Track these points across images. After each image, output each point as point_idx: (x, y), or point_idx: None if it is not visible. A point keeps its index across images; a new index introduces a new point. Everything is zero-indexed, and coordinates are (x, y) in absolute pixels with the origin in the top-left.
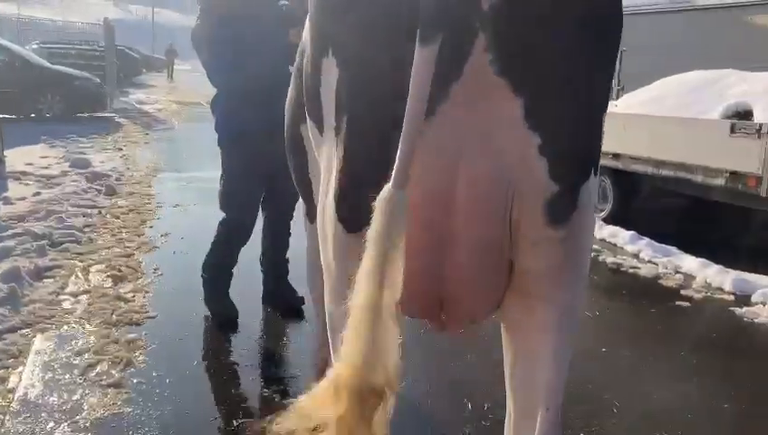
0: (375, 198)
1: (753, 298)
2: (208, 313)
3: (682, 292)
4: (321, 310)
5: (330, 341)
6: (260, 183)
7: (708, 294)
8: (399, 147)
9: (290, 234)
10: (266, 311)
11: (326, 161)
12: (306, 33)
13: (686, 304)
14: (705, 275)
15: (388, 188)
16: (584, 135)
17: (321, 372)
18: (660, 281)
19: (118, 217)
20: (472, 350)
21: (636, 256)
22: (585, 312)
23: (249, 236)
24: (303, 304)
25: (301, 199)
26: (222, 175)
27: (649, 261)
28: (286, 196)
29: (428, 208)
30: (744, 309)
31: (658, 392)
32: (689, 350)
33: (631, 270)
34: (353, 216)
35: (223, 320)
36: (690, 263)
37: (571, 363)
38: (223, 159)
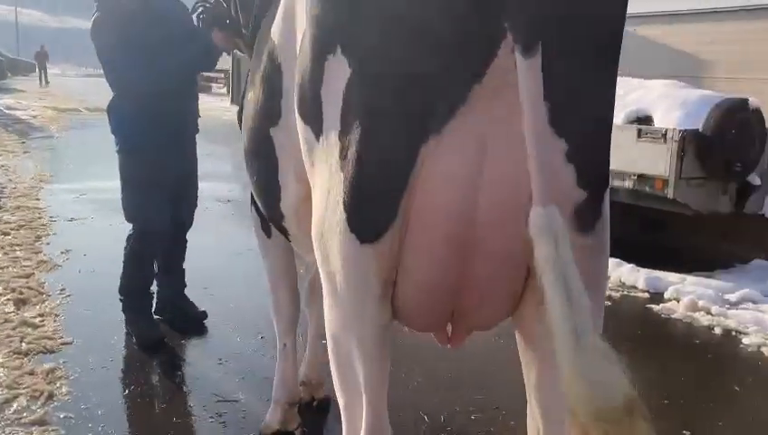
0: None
1: (666, 295)
2: (131, 335)
3: None
4: (290, 342)
5: (336, 374)
6: (167, 191)
7: (624, 292)
8: (531, 164)
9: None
10: (196, 329)
11: (325, 167)
12: (288, 32)
13: (606, 302)
14: (618, 274)
15: (537, 209)
16: (606, 142)
17: (283, 412)
18: None
19: (8, 234)
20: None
21: None
22: None
23: (161, 248)
24: (206, 318)
25: (254, 213)
26: (124, 184)
27: None
28: (189, 204)
29: (451, 218)
30: (660, 306)
31: None
32: (612, 346)
33: None
34: (369, 225)
35: (147, 342)
36: None
37: (497, 359)
38: (123, 167)
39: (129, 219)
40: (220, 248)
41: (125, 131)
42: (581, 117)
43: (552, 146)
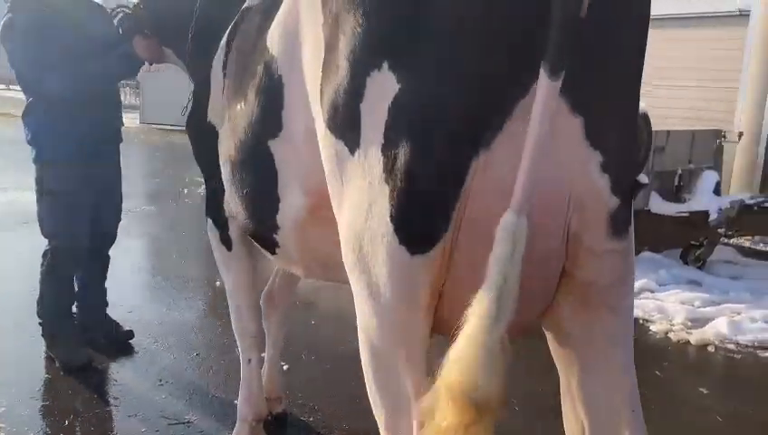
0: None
1: None
2: (53, 360)
3: None
4: (255, 358)
5: (376, 389)
6: (87, 203)
7: None
8: (521, 175)
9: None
10: (122, 349)
11: (362, 180)
12: (291, 46)
13: None
14: None
15: (509, 214)
16: (635, 151)
17: (250, 430)
18: None
19: None
20: None
21: None
22: None
23: (80, 264)
24: (132, 337)
25: (212, 227)
26: (40, 197)
27: None
28: (112, 218)
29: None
30: None
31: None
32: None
33: None
34: (420, 236)
35: (73, 366)
36: None
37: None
38: (40, 178)
39: (45, 235)
40: (138, 265)
41: (41, 141)
42: (614, 129)
43: (588, 158)
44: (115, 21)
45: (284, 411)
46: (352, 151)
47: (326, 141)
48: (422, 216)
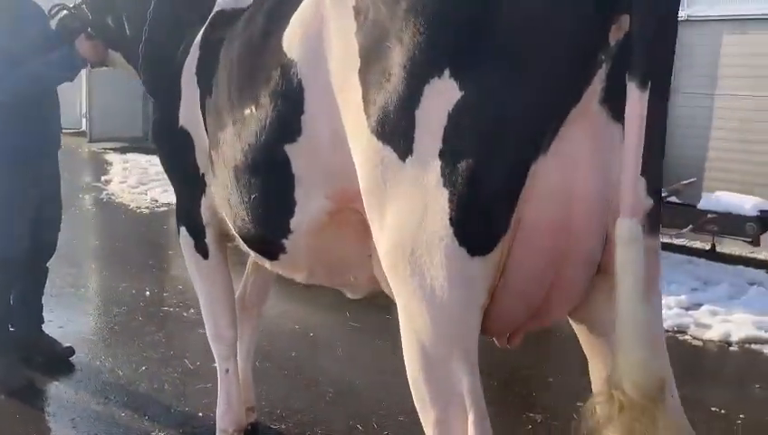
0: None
1: None
2: None
3: None
4: (233, 368)
5: (426, 388)
6: (26, 210)
7: None
8: (628, 181)
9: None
10: (61, 368)
11: (414, 185)
12: (314, 52)
13: None
14: None
15: (626, 220)
16: (663, 156)
17: None
18: None
19: None
20: None
21: None
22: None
23: (18, 277)
24: (72, 354)
25: (186, 236)
26: None
27: None
28: (51, 228)
29: (554, 229)
30: None
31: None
32: None
33: None
34: (480, 238)
35: (12, 387)
36: None
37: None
38: None
39: None
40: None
41: None
42: (651, 136)
43: None
44: (56, 19)
45: (256, 421)
46: (402, 157)
47: (370, 148)
48: (483, 218)
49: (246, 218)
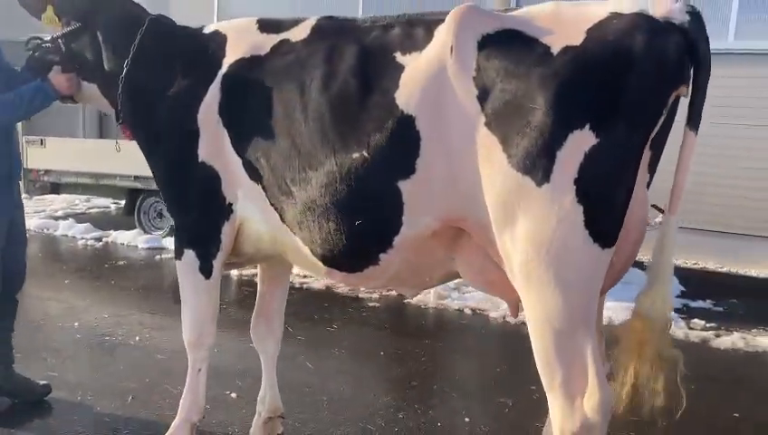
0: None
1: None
2: None
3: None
4: (205, 367)
5: (558, 359)
6: None
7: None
8: (676, 193)
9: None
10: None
11: (550, 204)
12: (437, 105)
13: (375, 304)
14: None
15: (673, 217)
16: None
17: (191, 430)
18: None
19: None
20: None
21: None
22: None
23: None
24: (49, 392)
25: (191, 257)
26: None
27: None
28: (20, 256)
29: (636, 223)
30: (415, 299)
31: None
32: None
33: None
34: (610, 236)
35: None
36: None
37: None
38: None
39: None
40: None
41: None
42: (657, 159)
43: (645, 179)
44: (30, 51)
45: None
46: (539, 184)
47: (507, 178)
48: (611, 222)
49: (339, 239)
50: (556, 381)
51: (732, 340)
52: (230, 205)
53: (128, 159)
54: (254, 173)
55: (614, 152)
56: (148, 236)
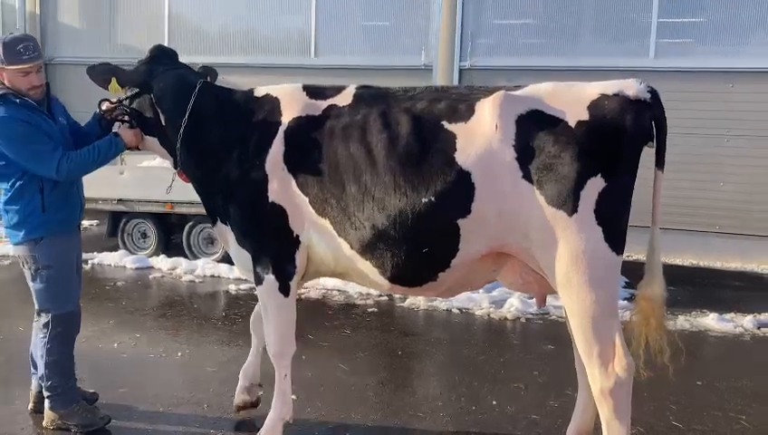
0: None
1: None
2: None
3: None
4: (289, 372)
5: (595, 337)
6: (74, 268)
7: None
8: (656, 210)
9: None
10: None
11: (576, 229)
12: (482, 157)
13: (374, 308)
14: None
15: (657, 227)
16: None
17: (282, 426)
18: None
19: None
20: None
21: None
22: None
23: (76, 329)
24: (97, 399)
25: (272, 279)
26: (35, 273)
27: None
28: (80, 279)
29: None
30: (407, 303)
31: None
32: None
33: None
34: (622, 247)
35: (97, 425)
36: None
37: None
38: (32, 257)
39: (42, 307)
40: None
41: (33, 221)
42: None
43: None
44: (102, 110)
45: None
46: (570, 215)
47: (547, 212)
48: (620, 237)
49: (409, 264)
50: (594, 354)
51: (679, 322)
52: (297, 236)
53: (110, 184)
54: (321, 210)
55: (617, 189)
56: (134, 256)
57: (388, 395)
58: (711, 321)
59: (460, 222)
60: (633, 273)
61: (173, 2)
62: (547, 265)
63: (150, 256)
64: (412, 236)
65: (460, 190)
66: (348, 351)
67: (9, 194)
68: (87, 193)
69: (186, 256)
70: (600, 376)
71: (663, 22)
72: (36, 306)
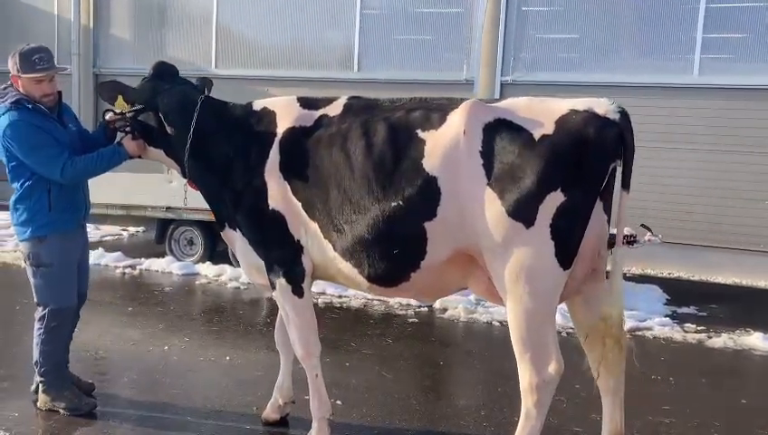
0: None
1: (436, 305)
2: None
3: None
4: (320, 371)
5: (531, 343)
6: (75, 266)
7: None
8: (619, 230)
9: None
10: None
11: (535, 241)
12: (449, 170)
13: (414, 319)
14: None
15: (620, 247)
16: None
17: (327, 425)
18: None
19: None
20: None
21: None
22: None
23: (75, 321)
24: (94, 389)
25: (284, 282)
26: (35, 269)
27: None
28: (85, 278)
29: (587, 251)
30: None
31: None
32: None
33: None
34: (569, 262)
35: (84, 408)
36: None
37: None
38: (36, 253)
39: (41, 301)
40: None
41: (40, 219)
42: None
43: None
44: (108, 121)
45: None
46: (527, 227)
47: (503, 222)
48: (570, 252)
49: (382, 264)
50: (527, 357)
51: (722, 340)
52: (298, 240)
53: (159, 192)
54: (312, 215)
55: (575, 206)
56: (181, 262)
57: (432, 404)
58: (756, 340)
59: (426, 225)
60: (673, 290)
61: (221, 16)
62: (496, 271)
63: (196, 263)
64: (385, 238)
65: (427, 194)
66: (390, 359)
67: (19, 193)
68: (136, 201)
69: (230, 264)
70: (531, 373)
71: (708, 38)
72: (35, 299)
